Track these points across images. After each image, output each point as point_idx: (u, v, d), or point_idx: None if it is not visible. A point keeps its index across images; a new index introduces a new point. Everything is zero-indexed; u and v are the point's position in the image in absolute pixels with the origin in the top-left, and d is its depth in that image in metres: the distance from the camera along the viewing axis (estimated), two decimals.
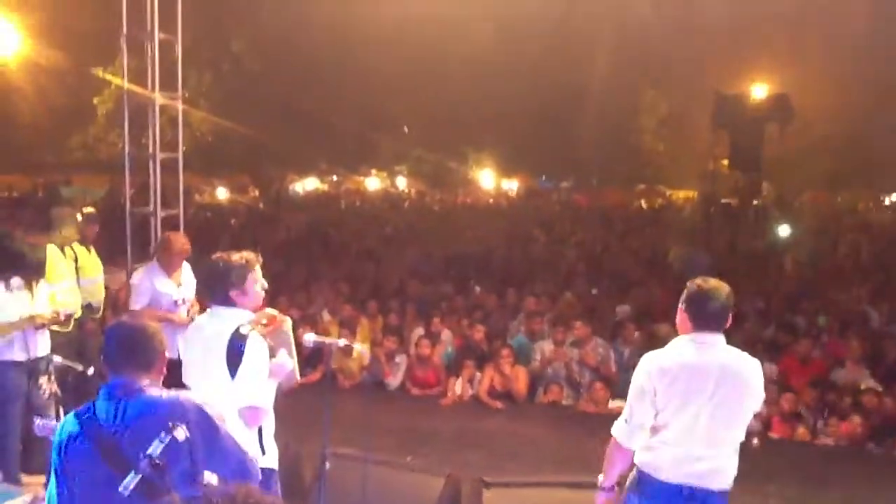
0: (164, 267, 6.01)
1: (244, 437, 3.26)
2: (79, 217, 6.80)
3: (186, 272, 6.22)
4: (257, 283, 3.63)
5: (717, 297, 3.39)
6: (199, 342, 3.56)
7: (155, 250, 6.25)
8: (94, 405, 2.66)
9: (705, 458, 3.34)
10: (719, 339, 3.41)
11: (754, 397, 3.44)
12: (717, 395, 3.31)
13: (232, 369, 3.37)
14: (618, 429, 3.47)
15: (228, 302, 3.55)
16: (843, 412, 7.04)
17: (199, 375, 3.52)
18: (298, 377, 3.93)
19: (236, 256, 3.61)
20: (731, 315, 3.45)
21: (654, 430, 3.39)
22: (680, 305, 3.47)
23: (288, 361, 3.63)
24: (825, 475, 6.15)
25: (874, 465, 6.57)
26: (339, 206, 28.85)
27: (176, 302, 5.99)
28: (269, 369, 3.48)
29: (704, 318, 3.38)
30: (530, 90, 29.96)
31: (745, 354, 3.46)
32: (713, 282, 3.43)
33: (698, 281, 3.45)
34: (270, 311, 3.81)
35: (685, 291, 3.47)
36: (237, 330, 3.43)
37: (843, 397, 7.29)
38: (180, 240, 6.18)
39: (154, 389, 2.68)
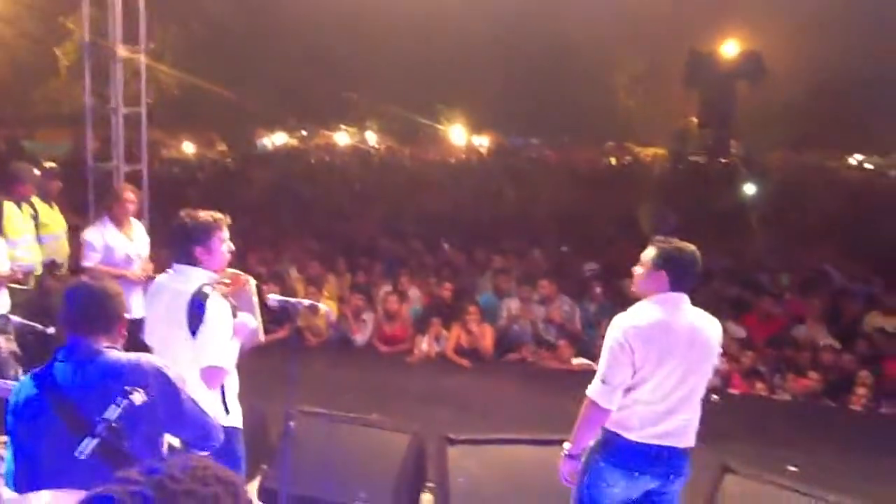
0: (115, 220, 5.96)
1: (207, 397, 3.25)
2: (36, 172, 6.66)
3: (139, 229, 6.18)
4: (224, 243, 3.55)
5: (697, 260, 3.41)
6: (161, 301, 3.52)
7: (105, 204, 6.16)
8: (51, 367, 2.63)
9: (674, 416, 3.36)
10: (686, 299, 3.43)
11: (716, 356, 3.51)
12: (689, 354, 3.33)
13: (192, 329, 3.33)
14: (596, 390, 3.37)
15: (192, 260, 3.48)
16: (801, 368, 7.22)
17: (161, 334, 3.49)
18: (262, 337, 3.92)
19: (204, 214, 3.52)
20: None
21: (628, 389, 3.36)
22: (650, 265, 3.43)
23: (251, 321, 3.60)
24: (782, 430, 6.32)
25: (829, 420, 6.77)
26: (309, 161, 28.57)
27: (128, 256, 5.92)
28: (231, 329, 3.46)
29: (684, 279, 3.39)
30: (502, 46, 29.67)
31: (708, 314, 3.49)
32: (689, 244, 3.44)
33: (676, 243, 3.44)
34: (233, 271, 3.78)
35: (657, 251, 3.43)
36: (199, 289, 3.38)
37: (802, 354, 7.46)
38: (128, 191, 6.12)
39: (114, 352, 2.65)
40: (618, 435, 3.39)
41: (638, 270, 3.52)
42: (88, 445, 2.34)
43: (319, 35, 26.90)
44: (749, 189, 19.09)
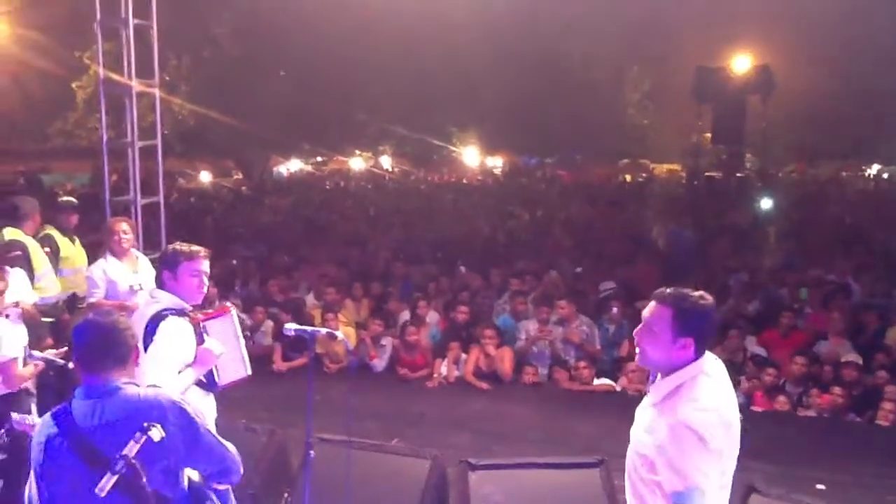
0: (114, 253, 6.04)
1: None
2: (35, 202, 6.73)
3: (143, 261, 6.24)
4: (196, 275, 3.65)
5: (714, 309, 2.87)
6: (134, 322, 3.59)
7: (102, 238, 6.23)
8: (70, 405, 2.63)
9: (728, 484, 2.87)
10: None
11: None
12: (738, 418, 2.84)
13: (145, 348, 3.38)
14: None
15: (162, 285, 3.67)
16: (825, 384, 7.12)
17: None
18: (248, 370, 3.91)
19: (183, 245, 3.72)
20: None
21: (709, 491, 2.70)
22: (669, 332, 2.78)
23: (216, 348, 3.59)
24: (808, 447, 6.23)
25: (856, 436, 6.66)
26: (324, 187, 28.73)
27: (132, 288, 5.98)
28: (188, 355, 3.47)
29: (710, 339, 2.89)
30: (514, 67, 29.82)
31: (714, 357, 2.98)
32: (701, 293, 2.86)
33: (692, 298, 2.81)
34: (225, 303, 3.85)
35: (676, 312, 2.77)
36: (159, 311, 3.48)
37: (825, 370, 7.37)
38: (122, 223, 6.18)
39: (131, 387, 2.65)
40: None
41: (653, 339, 2.84)
42: (108, 482, 2.35)
43: (330, 60, 27.12)
44: (765, 203, 18.97)
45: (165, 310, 3.49)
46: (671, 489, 2.67)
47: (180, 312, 3.50)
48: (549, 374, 7.91)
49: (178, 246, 3.71)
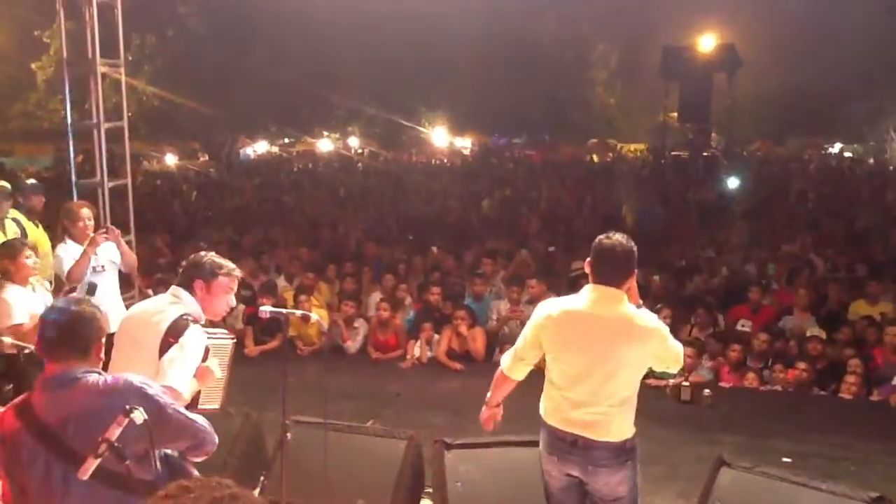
0: (74, 238, 5.94)
1: None
2: (6, 185, 6.61)
3: (106, 244, 6.13)
4: (227, 294, 3.55)
5: (614, 253, 3.43)
6: (144, 313, 3.45)
7: (62, 224, 6.12)
8: (31, 398, 2.58)
9: (584, 407, 3.43)
10: (615, 294, 3.42)
11: (645, 358, 3.44)
12: (600, 347, 3.38)
13: (162, 350, 3.27)
14: (504, 357, 3.85)
15: (190, 290, 3.48)
16: (790, 359, 7.27)
17: (130, 345, 3.38)
18: (220, 404, 3.74)
19: (223, 260, 3.58)
20: (632, 272, 3.46)
21: (546, 372, 3.60)
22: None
23: (216, 370, 3.50)
24: (775, 421, 6.37)
25: (821, 409, 6.82)
26: (292, 169, 28.50)
27: (94, 269, 5.90)
28: (196, 367, 3.37)
29: (602, 271, 3.45)
30: (481, 47, 29.74)
31: (644, 315, 3.44)
32: (616, 237, 3.49)
33: (601, 236, 3.52)
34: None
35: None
36: (183, 314, 3.35)
37: (790, 344, 7.52)
38: (85, 209, 6.09)
39: (91, 376, 2.59)
40: (542, 418, 3.65)
41: None
42: (90, 466, 2.32)
43: (298, 41, 26.82)
44: (732, 181, 19.20)
45: (188, 314, 3.38)
46: None
47: (196, 321, 3.41)
48: None
49: (219, 259, 3.58)
